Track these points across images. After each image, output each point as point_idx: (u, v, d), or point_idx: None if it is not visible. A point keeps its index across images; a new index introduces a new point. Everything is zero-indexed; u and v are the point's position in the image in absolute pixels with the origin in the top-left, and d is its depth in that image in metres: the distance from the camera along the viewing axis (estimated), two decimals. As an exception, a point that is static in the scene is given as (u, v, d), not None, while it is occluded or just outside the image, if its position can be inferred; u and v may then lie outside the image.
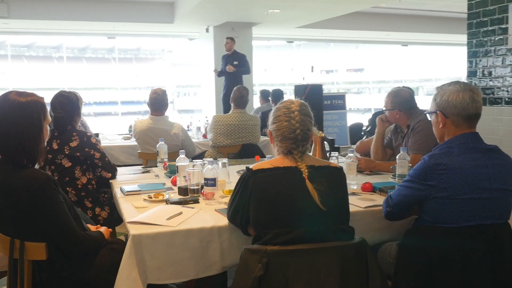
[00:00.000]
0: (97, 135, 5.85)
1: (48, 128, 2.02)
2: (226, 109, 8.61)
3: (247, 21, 10.30)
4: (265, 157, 4.99)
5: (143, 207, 2.34)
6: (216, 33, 10.60)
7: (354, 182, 2.72)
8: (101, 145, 4.32)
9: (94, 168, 3.11)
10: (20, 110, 1.87)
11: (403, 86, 4.56)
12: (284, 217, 1.76)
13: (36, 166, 2.98)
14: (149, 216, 2.13)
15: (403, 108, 3.30)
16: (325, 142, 3.22)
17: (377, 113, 11.77)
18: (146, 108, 4.68)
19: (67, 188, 3.03)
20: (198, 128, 5.93)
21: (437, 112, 2.05)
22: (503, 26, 4.01)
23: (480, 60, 4.33)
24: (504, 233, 1.94)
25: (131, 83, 31.13)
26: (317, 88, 8.94)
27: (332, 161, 3.13)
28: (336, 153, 3.16)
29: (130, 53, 34.47)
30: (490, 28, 4.15)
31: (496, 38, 4.10)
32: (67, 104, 3.13)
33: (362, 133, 11.78)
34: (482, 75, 4.44)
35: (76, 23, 10.09)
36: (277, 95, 6.15)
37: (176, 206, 2.31)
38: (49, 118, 2.01)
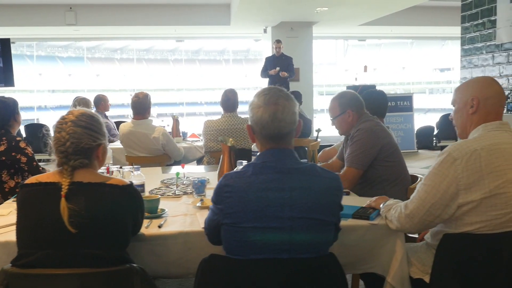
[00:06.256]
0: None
1: None
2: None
3: (301, 20, 10.04)
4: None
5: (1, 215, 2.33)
6: (274, 34, 10.49)
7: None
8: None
9: (23, 172, 3.18)
10: None
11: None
12: (32, 237, 1.63)
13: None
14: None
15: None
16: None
17: (447, 115, 10.83)
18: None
19: (-7, 191, 3.14)
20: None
21: (247, 125, 1.78)
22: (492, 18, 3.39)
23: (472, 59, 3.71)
24: (313, 269, 1.62)
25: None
26: (370, 89, 8.48)
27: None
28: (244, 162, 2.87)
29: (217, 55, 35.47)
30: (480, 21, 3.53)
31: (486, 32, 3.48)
32: (2, 108, 3.24)
33: (434, 138, 10.88)
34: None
35: (140, 28, 10.55)
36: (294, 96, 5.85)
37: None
38: None
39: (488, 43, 3.51)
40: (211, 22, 10.31)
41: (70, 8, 9.74)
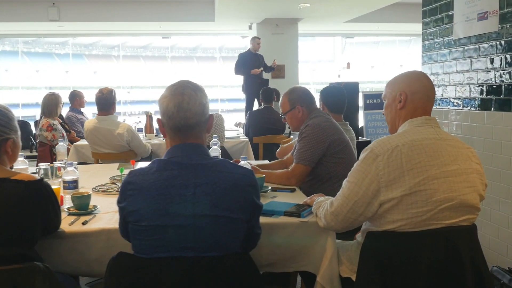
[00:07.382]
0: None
1: None
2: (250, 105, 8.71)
3: (286, 17, 9.95)
4: (231, 158, 4.76)
5: None
6: (259, 30, 10.41)
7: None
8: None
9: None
10: None
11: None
12: None
13: None
14: None
15: None
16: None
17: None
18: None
19: None
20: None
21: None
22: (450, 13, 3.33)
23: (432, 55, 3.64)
24: (220, 267, 1.57)
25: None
26: (352, 86, 8.42)
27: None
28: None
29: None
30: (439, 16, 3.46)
31: (444, 28, 3.41)
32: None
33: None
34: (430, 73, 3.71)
35: (124, 24, 10.47)
36: (266, 94, 5.81)
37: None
38: None
39: (446, 39, 3.44)
40: (195, 19, 10.23)
41: (53, 3, 9.66)
